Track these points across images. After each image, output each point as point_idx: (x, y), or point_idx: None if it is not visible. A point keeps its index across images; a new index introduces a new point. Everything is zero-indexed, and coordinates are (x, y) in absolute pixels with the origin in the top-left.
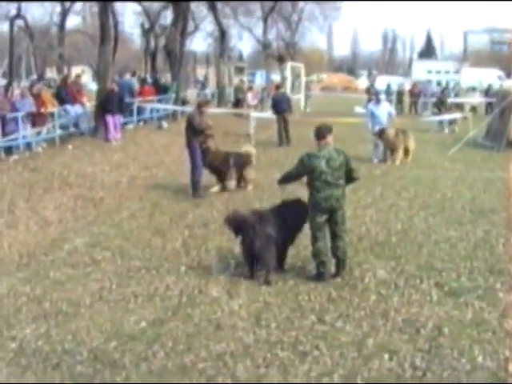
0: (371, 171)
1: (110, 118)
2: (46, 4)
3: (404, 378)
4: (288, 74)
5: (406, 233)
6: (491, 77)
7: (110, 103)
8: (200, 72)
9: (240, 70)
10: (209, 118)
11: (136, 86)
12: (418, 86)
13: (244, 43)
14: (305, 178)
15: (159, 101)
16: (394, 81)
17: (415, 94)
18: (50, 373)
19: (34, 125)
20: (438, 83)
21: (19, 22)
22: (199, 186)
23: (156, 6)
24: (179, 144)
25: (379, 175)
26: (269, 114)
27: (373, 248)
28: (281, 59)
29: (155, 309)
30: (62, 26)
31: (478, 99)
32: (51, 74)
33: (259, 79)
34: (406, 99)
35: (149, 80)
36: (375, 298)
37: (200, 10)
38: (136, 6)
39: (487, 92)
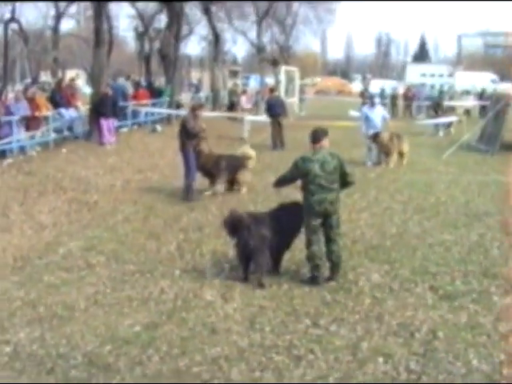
0: (365, 175)
1: (104, 122)
2: (41, 7)
3: (399, 382)
4: (282, 77)
5: (400, 236)
6: (485, 80)
7: (104, 107)
8: (194, 76)
9: (234, 74)
10: (203, 122)
11: (130, 89)
12: (411, 89)
13: (238, 47)
14: (299, 182)
15: (153, 104)
16: (388, 84)
17: (409, 97)
18: (45, 377)
19: (28, 128)
20: (432, 87)
21: (13, 26)
22: (191, 190)
23: (150, 9)
24: (173, 147)
25: (373, 179)
26: (263, 117)
27: (367, 252)
28: (275, 63)
29: (150, 313)
30: (56, 29)
31: (471, 102)
32: (45, 77)
33: (253, 83)
34: (400, 103)
35: (143, 83)
36: (370, 301)
37: (194, 13)
38: (130, 10)
39: (481, 95)
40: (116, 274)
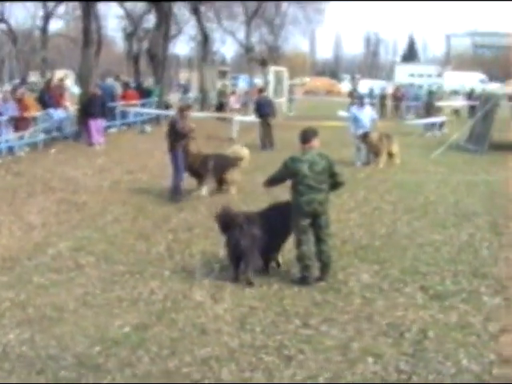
0: (355, 175)
1: (92, 122)
2: (29, 7)
3: (389, 382)
4: (271, 77)
5: (389, 236)
6: (474, 80)
7: (92, 107)
8: (183, 76)
9: (223, 74)
10: (192, 122)
11: (119, 89)
12: (400, 89)
13: (227, 47)
14: (289, 182)
15: (142, 105)
16: (377, 84)
17: (398, 97)
18: (35, 377)
19: (16, 129)
20: (420, 87)
21: (2, 26)
22: (178, 191)
23: (139, 9)
24: (162, 148)
25: (363, 179)
26: (252, 117)
27: (357, 252)
28: (264, 63)
29: (139, 313)
30: (44, 29)
31: (460, 102)
32: (34, 77)
33: (242, 83)
34: (389, 103)
35: (132, 84)
36: (360, 301)
37: (183, 13)
38: (119, 10)
39: (470, 95)
40: (105, 275)
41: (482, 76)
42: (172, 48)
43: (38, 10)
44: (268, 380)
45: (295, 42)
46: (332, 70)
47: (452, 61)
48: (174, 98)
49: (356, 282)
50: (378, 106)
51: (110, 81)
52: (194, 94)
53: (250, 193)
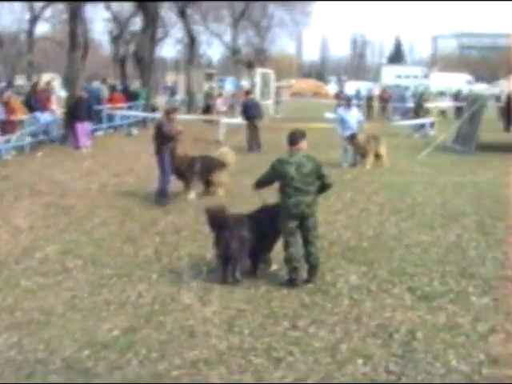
0: (342, 176)
1: (79, 125)
2: (16, 10)
3: (378, 383)
4: (258, 79)
5: (377, 238)
6: (460, 81)
7: (79, 110)
8: (170, 79)
9: (210, 77)
10: (179, 124)
11: (106, 92)
12: (387, 90)
13: (213, 49)
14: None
15: (129, 108)
16: (364, 86)
17: (385, 98)
18: (24, 382)
19: (3, 132)
20: (406, 88)
21: None
22: (166, 194)
23: (125, 12)
24: (149, 151)
25: (350, 180)
26: (239, 120)
27: (344, 253)
28: (250, 65)
29: (128, 317)
30: (31, 32)
31: (447, 104)
32: (20, 81)
33: (229, 85)
34: (376, 104)
35: (119, 87)
36: (348, 303)
37: (169, 16)
38: (105, 13)
39: (456, 96)
40: (93, 278)
41: (469, 77)
42: (159, 51)
43: (25, 14)
44: (257, 382)
45: (282, 44)
46: (318, 72)
47: (438, 62)
48: (160, 100)
49: (344, 283)
50: (365, 107)
51: (96, 84)
52: (180, 96)
53: (237, 195)
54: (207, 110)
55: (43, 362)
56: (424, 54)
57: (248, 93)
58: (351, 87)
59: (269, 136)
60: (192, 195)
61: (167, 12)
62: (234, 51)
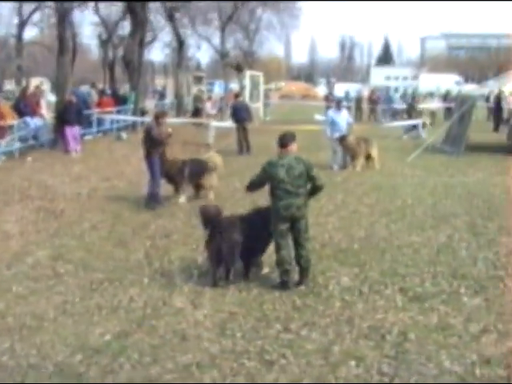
0: (332, 178)
1: (68, 130)
2: (4, 15)
3: None
4: (247, 82)
5: (368, 239)
6: (449, 82)
7: (68, 114)
8: (158, 82)
9: (198, 80)
10: (168, 127)
11: (95, 97)
12: (376, 92)
13: (202, 53)
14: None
15: (118, 112)
16: (353, 88)
17: (374, 100)
18: None
19: None
20: (396, 89)
21: None
22: (157, 198)
23: (114, 16)
24: (139, 154)
25: (340, 182)
26: (228, 123)
27: (336, 255)
28: (239, 68)
29: (120, 321)
30: (19, 37)
31: (436, 104)
32: (9, 86)
33: (218, 88)
34: (365, 106)
35: (108, 91)
36: (340, 305)
37: (158, 20)
38: (94, 17)
39: (445, 97)
40: (84, 283)
41: (458, 78)
42: (147, 55)
43: (13, 18)
44: None
45: (270, 46)
46: (307, 74)
47: (427, 63)
48: (149, 104)
49: (336, 285)
50: (354, 109)
51: (85, 88)
52: (169, 99)
53: (227, 198)
54: (196, 113)
55: (35, 367)
56: (413, 55)
57: (237, 96)
58: (340, 89)
59: (258, 139)
60: (182, 199)
61: (156, 16)
62: (223, 54)
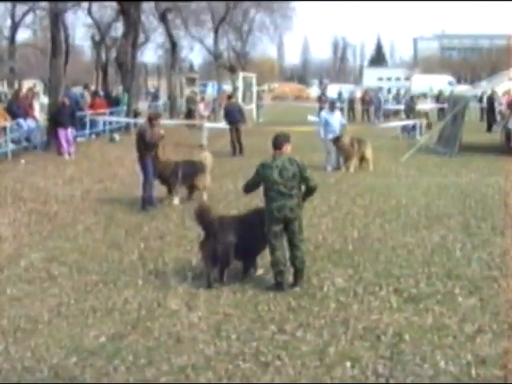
0: (326, 179)
1: (61, 132)
2: None
3: None
4: (240, 84)
5: (362, 240)
6: (442, 83)
7: (61, 116)
8: (151, 84)
9: (191, 81)
10: (161, 129)
11: (88, 98)
12: (369, 93)
13: (195, 54)
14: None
15: (111, 113)
16: (346, 89)
17: (367, 101)
18: None
19: None
20: (389, 90)
21: None
22: (150, 200)
23: (107, 17)
24: (132, 156)
25: (334, 183)
26: (221, 124)
27: (330, 256)
28: (232, 69)
29: (114, 323)
30: (12, 39)
31: (429, 105)
32: (2, 87)
33: (211, 90)
34: (358, 107)
35: (101, 93)
36: (335, 306)
37: (151, 21)
38: (87, 18)
39: (438, 98)
40: (79, 285)
41: (451, 78)
42: (140, 56)
43: (6, 20)
44: None
45: (263, 48)
46: (300, 76)
47: (420, 64)
48: (142, 105)
49: (330, 286)
50: (347, 110)
51: (77, 89)
52: (162, 101)
53: (220, 199)
54: (189, 114)
55: (30, 370)
56: (405, 56)
57: (230, 97)
58: (333, 90)
59: (251, 140)
60: (176, 200)
61: (148, 17)
62: (216, 56)
